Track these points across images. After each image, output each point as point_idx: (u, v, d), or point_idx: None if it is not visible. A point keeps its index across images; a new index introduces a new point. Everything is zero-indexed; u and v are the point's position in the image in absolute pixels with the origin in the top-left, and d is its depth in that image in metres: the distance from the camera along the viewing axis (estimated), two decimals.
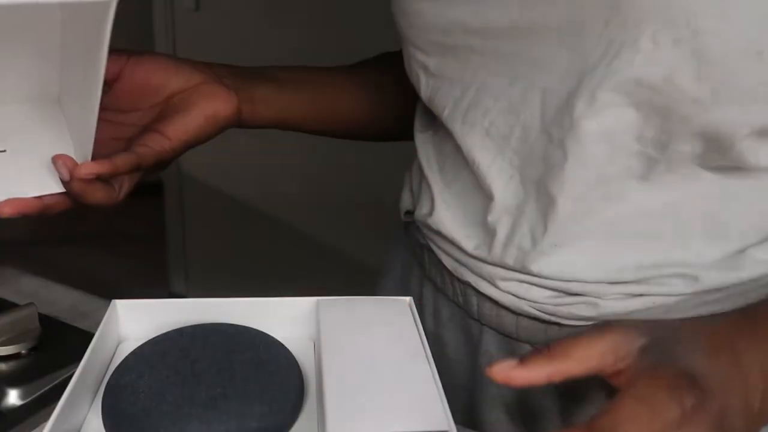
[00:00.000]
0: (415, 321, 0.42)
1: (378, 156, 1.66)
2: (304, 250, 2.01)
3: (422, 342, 0.40)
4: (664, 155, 0.42)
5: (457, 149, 0.51)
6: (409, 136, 0.61)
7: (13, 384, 0.46)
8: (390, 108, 0.64)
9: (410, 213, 0.59)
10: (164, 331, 0.41)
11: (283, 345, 0.41)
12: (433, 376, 0.37)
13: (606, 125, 0.41)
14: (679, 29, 0.37)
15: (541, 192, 0.46)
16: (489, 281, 0.50)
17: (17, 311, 0.51)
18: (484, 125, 0.47)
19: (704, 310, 0.46)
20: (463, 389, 0.57)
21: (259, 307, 0.44)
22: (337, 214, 1.93)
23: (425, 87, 0.50)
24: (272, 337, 0.42)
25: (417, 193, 0.58)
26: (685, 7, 0.36)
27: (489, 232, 0.49)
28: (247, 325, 0.43)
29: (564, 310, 0.48)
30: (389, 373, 0.37)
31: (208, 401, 0.36)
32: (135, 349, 0.40)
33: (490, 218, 0.48)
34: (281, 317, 0.44)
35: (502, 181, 0.47)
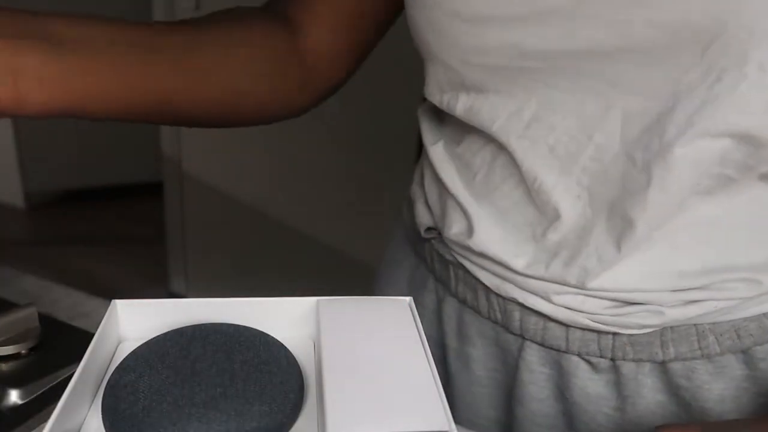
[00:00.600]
0: (415, 321, 0.42)
1: (379, 155, 1.66)
2: (304, 249, 2.01)
3: (422, 342, 0.40)
4: (744, 176, 0.41)
5: (492, 162, 0.49)
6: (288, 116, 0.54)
7: (13, 384, 0.46)
8: (291, 80, 0.53)
9: (431, 229, 0.57)
10: (164, 331, 0.41)
11: (283, 345, 0.41)
12: (433, 376, 0.37)
13: (697, 150, 0.40)
14: None
15: (615, 213, 0.44)
16: (541, 297, 0.49)
17: (17, 311, 0.51)
18: (548, 142, 0.45)
19: (762, 308, 0.46)
20: (497, 407, 0.56)
21: (259, 307, 0.44)
22: (337, 214, 1.93)
23: (463, 103, 0.48)
24: (272, 337, 0.42)
25: (439, 209, 0.56)
26: None
27: (547, 252, 0.48)
28: (247, 325, 0.43)
29: (624, 320, 0.47)
30: (389, 373, 0.37)
31: (208, 401, 0.36)
32: (135, 349, 0.40)
33: (552, 238, 0.47)
34: (281, 317, 0.44)
35: (569, 201, 0.46)
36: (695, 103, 0.38)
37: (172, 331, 0.41)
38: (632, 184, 0.43)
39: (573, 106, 0.43)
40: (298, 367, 0.40)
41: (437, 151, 0.54)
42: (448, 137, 0.54)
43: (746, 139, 0.39)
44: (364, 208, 1.80)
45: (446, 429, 0.33)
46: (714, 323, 0.47)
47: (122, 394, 0.36)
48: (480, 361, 0.56)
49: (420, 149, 0.60)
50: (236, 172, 2.02)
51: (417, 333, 0.41)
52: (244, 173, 2.00)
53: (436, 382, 0.36)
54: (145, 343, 0.40)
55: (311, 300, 0.44)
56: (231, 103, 0.50)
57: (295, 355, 0.41)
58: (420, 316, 0.59)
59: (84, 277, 2.33)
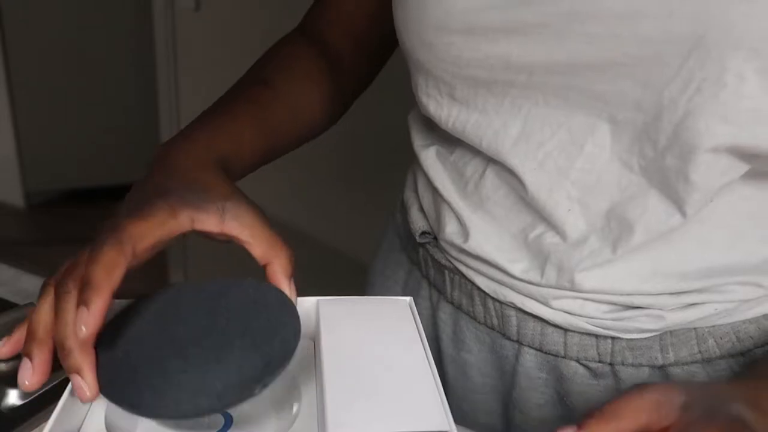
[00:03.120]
0: (415, 321, 0.42)
1: (378, 156, 1.65)
2: (304, 250, 2.01)
3: (422, 342, 0.40)
4: (737, 176, 0.41)
5: (483, 172, 0.49)
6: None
7: (13, 384, 0.46)
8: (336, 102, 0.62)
9: (426, 233, 0.57)
10: None
11: (277, 289, 0.40)
12: (433, 376, 0.37)
13: (688, 160, 0.40)
14: (764, 60, 0.36)
15: (612, 220, 0.44)
16: (540, 301, 0.49)
17: (17, 311, 0.51)
18: (537, 158, 0.45)
19: (762, 310, 0.47)
20: (491, 413, 0.56)
21: None
22: (337, 214, 1.93)
23: (447, 117, 0.48)
24: (268, 284, 0.40)
25: (433, 214, 0.56)
26: None
27: (542, 258, 0.47)
28: None
29: (624, 324, 0.47)
30: (389, 373, 0.37)
31: (197, 349, 0.35)
32: (127, 304, 0.39)
33: (546, 246, 0.47)
34: None
35: (560, 214, 0.46)
36: (679, 114, 0.39)
37: (167, 287, 0.40)
38: (631, 188, 0.43)
39: (561, 120, 0.43)
40: (292, 306, 0.38)
41: (430, 157, 0.54)
42: (440, 143, 0.54)
43: (732, 149, 0.39)
44: (365, 208, 1.80)
45: (446, 429, 0.33)
46: (713, 326, 0.47)
47: (112, 350, 0.36)
48: (476, 368, 0.56)
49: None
50: None
51: (417, 333, 0.41)
52: None
53: (436, 382, 0.36)
54: (139, 298, 0.40)
55: (311, 300, 0.44)
56: (307, 135, 0.60)
57: (294, 356, 0.41)
58: None
59: None
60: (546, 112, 0.44)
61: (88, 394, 0.34)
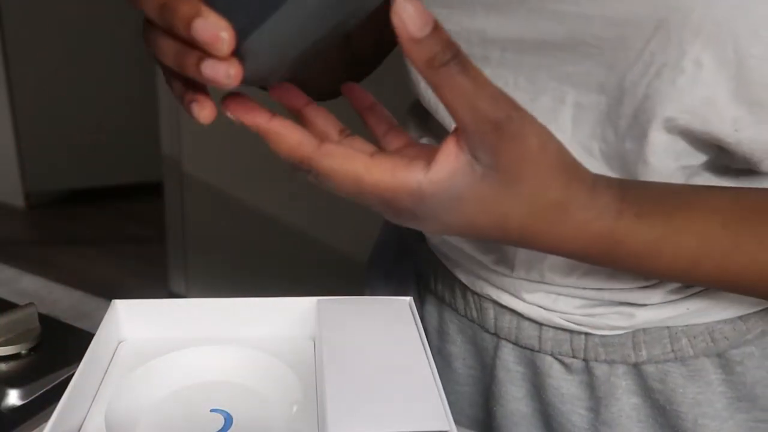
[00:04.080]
0: (415, 321, 0.42)
1: None
2: (304, 249, 2.01)
3: (422, 342, 0.40)
4: (689, 166, 0.42)
5: None
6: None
7: (13, 384, 0.46)
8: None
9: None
10: (164, 332, 0.41)
11: None
12: (433, 376, 0.37)
13: (644, 144, 0.40)
14: (724, 52, 0.36)
15: None
16: (513, 294, 0.49)
17: (17, 311, 0.51)
18: None
19: (738, 311, 0.46)
20: (475, 405, 0.57)
21: (259, 307, 0.44)
22: (337, 214, 1.93)
23: (425, 92, 0.49)
24: None
25: None
26: (733, 30, 0.36)
27: (512, 249, 0.48)
28: (246, 326, 0.43)
29: (596, 320, 0.47)
30: (389, 373, 0.37)
31: None
32: None
33: None
34: (281, 317, 0.44)
35: None
36: (638, 98, 0.39)
37: None
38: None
39: (526, 103, 0.44)
40: None
41: None
42: (432, 135, 0.55)
43: (686, 134, 0.40)
44: (365, 208, 1.80)
45: (446, 429, 0.33)
46: (687, 326, 0.47)
47: None
48: (460, 359, 0.56)
49: None
50: (236, 172, 2.02)
51: (417, 333, 0.41)
52: (244, 173, 2.00)
53: (436, 382, 0.36)
54: None
55: (311, 300, 0.44)
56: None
57: (294, 356, 0.41)
58: None
59: (84, 277, 2.33)
60: (513, 95, 0.44)
61: (231, 71, 0.32)
